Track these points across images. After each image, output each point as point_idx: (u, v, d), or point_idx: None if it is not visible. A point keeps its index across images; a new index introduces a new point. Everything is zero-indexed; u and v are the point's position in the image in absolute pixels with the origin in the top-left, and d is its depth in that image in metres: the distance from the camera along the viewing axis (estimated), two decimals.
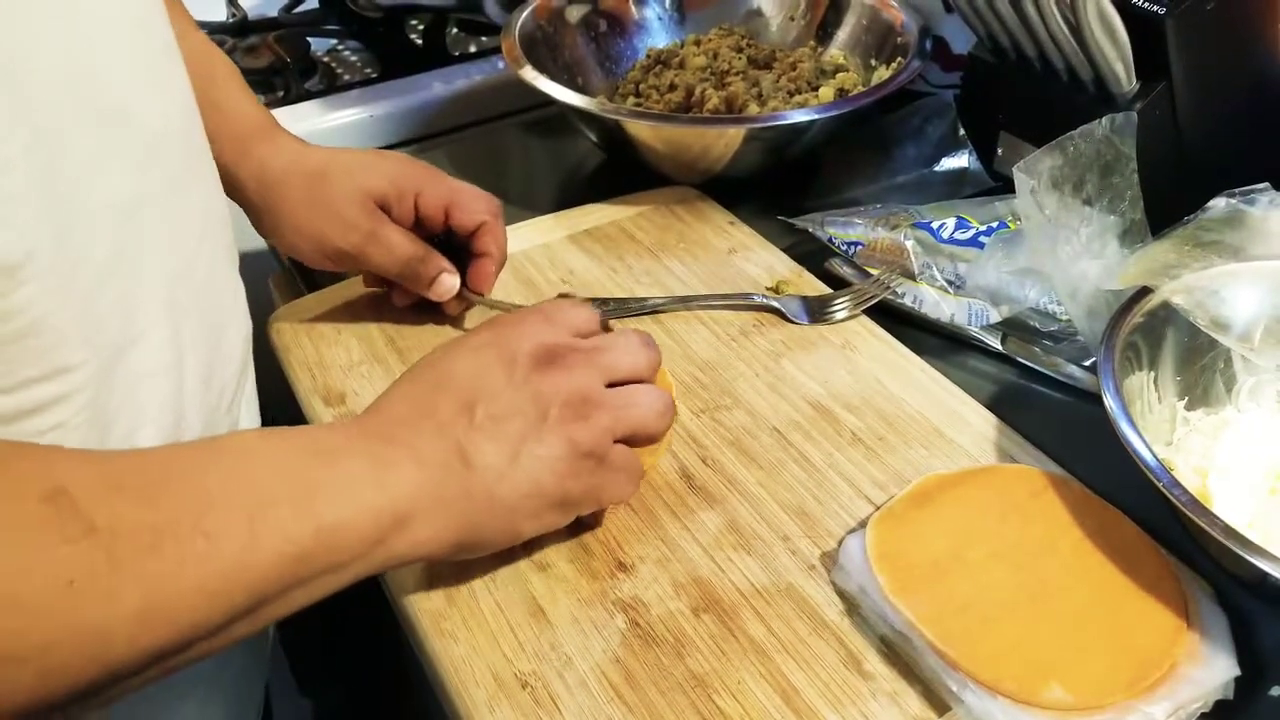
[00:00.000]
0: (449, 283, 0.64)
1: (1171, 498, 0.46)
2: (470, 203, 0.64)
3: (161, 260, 0.47)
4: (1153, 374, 0.56)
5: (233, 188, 0.62)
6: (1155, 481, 0.47)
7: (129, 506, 0.36)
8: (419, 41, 1.07)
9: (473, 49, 1.07)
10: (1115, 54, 0.63)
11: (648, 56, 0.90)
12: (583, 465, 0.47)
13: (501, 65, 1.02)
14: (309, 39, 1.05)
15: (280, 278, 0.87)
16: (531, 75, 0.78)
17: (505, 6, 0.97)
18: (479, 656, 0.48)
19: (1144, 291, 0.56)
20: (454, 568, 0.51)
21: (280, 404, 0.65)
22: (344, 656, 1.06)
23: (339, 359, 0.65)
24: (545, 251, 0.73)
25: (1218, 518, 0.45)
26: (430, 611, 0.50)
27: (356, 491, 0.42)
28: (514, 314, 0.52)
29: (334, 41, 1.07)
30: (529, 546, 0.52)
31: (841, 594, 0.50)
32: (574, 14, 0.89)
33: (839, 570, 0.51)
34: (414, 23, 1.10)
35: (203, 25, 1.03)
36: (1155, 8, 0.61)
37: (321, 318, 0.68)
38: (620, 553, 0.53)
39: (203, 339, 0.50)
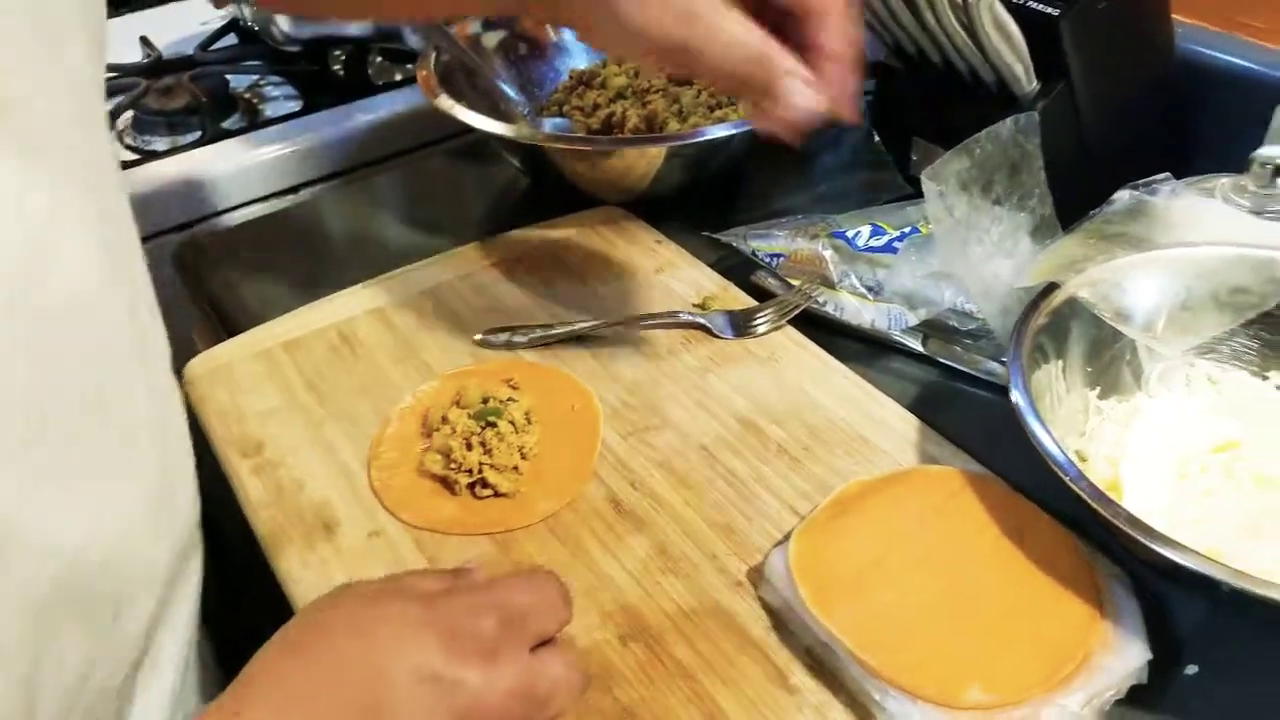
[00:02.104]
0: (798, 90, 0.47)
1: (1078, 491, 0.47)
2: None
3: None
4: (1061, 366, 0.57)
5: None
6: (1062, 476, 0.48)
7: None
8: (341, 73, 1.07)
9: (398, 77, 1.08)
10: (1013, 56, 0.64)
11: (570, 78, 0.90)
12: None
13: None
14: (227, 76, 1.04)
15: (202, 326, 0.86)
16: (448, 104, 0.78)
17: (425, 35, 0.97)
18: None
19: (1051, 287, 0.58)
20: None
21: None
22: None
23: (255, 405, 0.65)
24: (471, 282, 0.73)
25: (1121, 508, 0.46)
26: None
27: None
28: (469, 618, 0.41)
29: (254, 77, 1.07)
30: None
31: (768, 608, 0.51)
32: (491, 40, 0.89)
33: (765, 585, 0.51)
34: (336, 53, 1.10)
35: (116, 67, 1.04)
36: (1049, 9, 0.62)
37: (239, 364, 0.68)
38: None
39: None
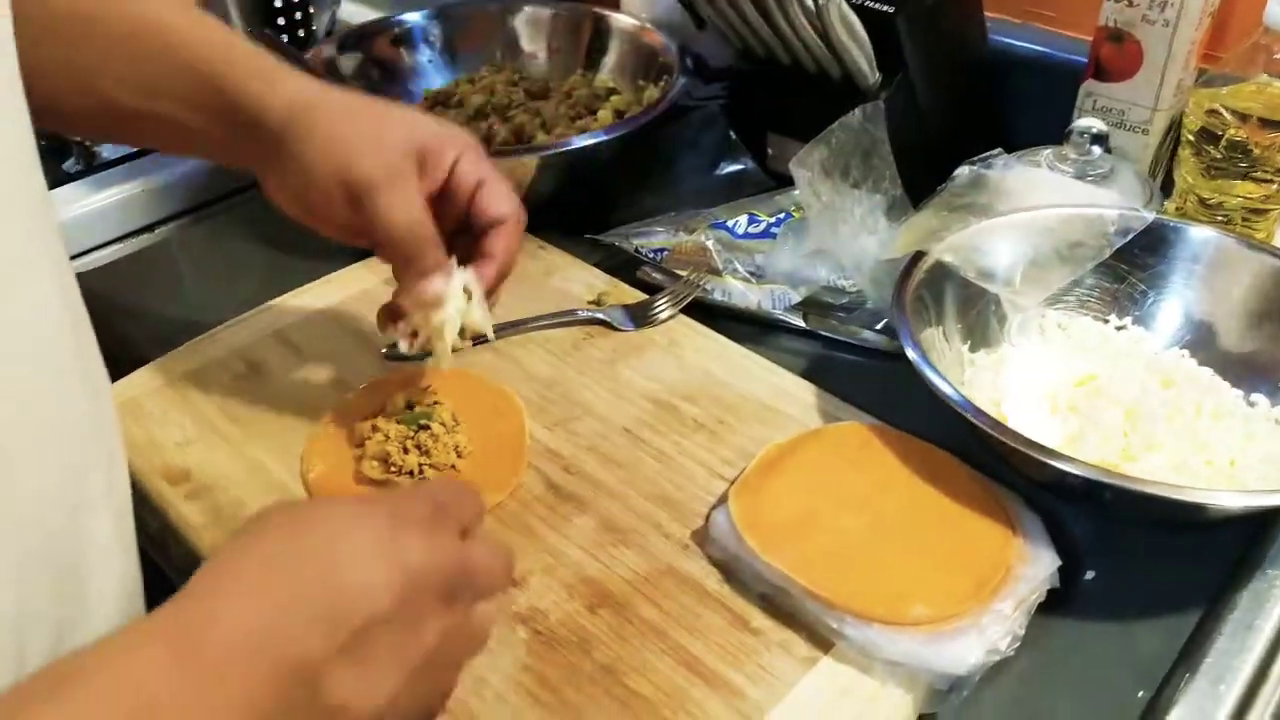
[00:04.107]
0: (436, 288, 0.56)
1: (980, 425, 0.53)
2: (501, 190, 0.58)
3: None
4: (940, 327, 0.64)
5: (254, 118, 0.55)
6: (964, 414, 0.54)
7: None
8: None
9: None
10: (859, 52, 0.71)
11: (425, 98, 0.92)
12: (433, 707, 0.42)
13: None
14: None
15: None
16: None
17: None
18: None
19: (919, 255, 0.64)
20: None
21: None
22: None
23: (172, 436, 0.63)
24: (368, 299, 0.74)
25: (1019, 433, 0.52)
26: None
27: None
28: (403, 500, 0.42)
29: None
30: None
31: (717, 564, 0.55)
32: (348, 65, 0.90)
33: (711, 543, 0.55)
34: None
35: None
36: (885, 7, 0.70)
37: (143, 398, 0.66)
38: None
39: (51, 601, 0.40)
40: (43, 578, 0.39)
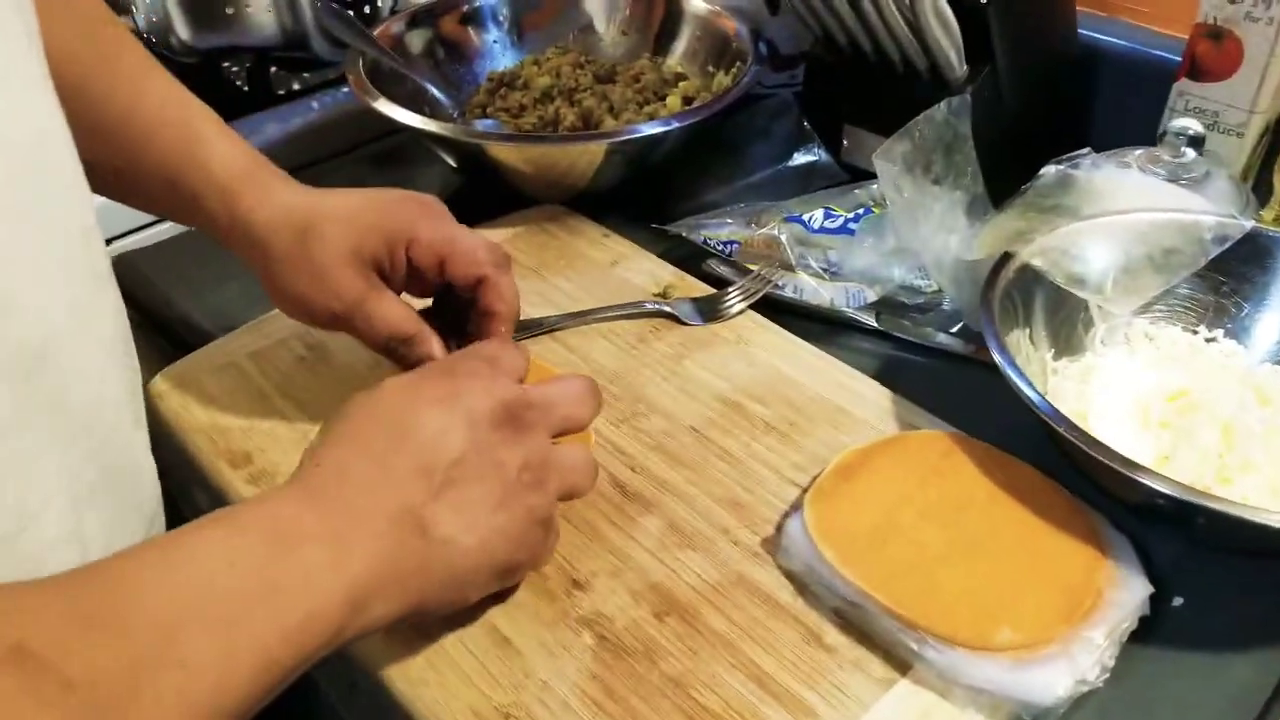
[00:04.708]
0: None
1: (1070, 438, 0.51)
2: (467, 253, 0.57)
3: (60, 419, 0.42)
4: (1026, 331, 0.61)
5: (227, 247, 0.58)
6: (1054, 426, 0.52)
7: (99, 650, 0.33)
8: (241, 84, 1.03)
9: (296, 86, 1.04)
10: (949, 43, 0.68)
11: (489, 80, 0.90)
12: (534, 533, 0.47)
13: (331, 100, 1.00)
14: None
15: (139, 343, 0.82)
16: (388, 107, 0.77)
17: (331, 42, 0.95)
18: (455, 698, 0.48)
19: (1007, 257, 0.62)
20: None
21: (180, 465, 0.62)
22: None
23: (234, 420, 0.63)
24: None
25: (1111, 449, 0.50)
26: (393, 660, 0.49)
27: (318, 582, 0.39)
28: (457, 361, 0.49)
29: None
30: None
31: (789, 575, 0.53)
32: (415, 43, 0.88)
33: (783, 553, 0.53)
34: (228, 65, 1.06)
35: None
36: None
37: (208, 378, 0.65)
38: (573, 570, 0.53)
39: (108, 498, 0.45)
40: (99, 480, 0.44)
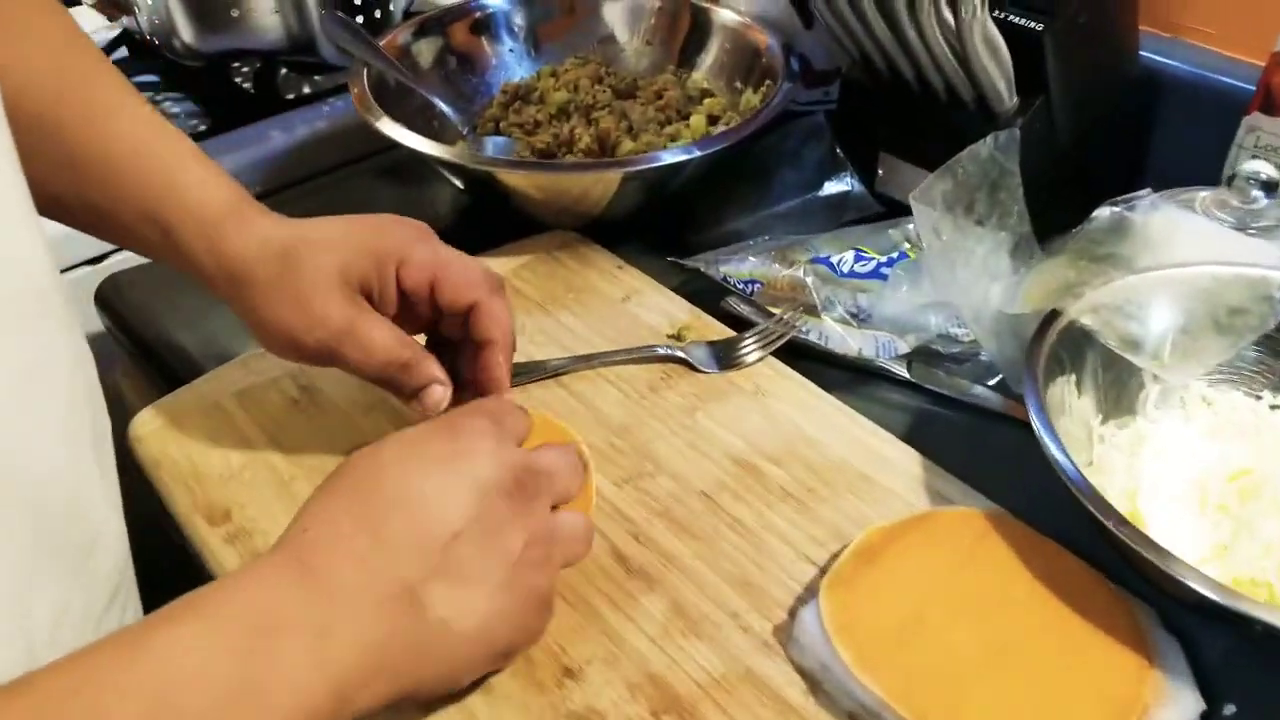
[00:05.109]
0: (437, 396, 0.53)
1: (1115, 531, 0.46)
2: (458, 276, 0.53)
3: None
4: (1073, 386, 0.56)
5: (208, 286, 0.54)
6: (1097, 516, 0.46)
7: None
8: (248, 87, 0.99)
9: (307, 90, 1.00)
10: (998, 72, 0.63)
11: (503, 92, 0.86)
12: (533, 613, 0.44)
13: (341, 106, 0.95)
14: None
15: (129, 369, 0.79)
16: (389, 127, 0.72)
17: (339, 49, 0.91)
18: None
19: (1053, 315, 0.56)
20: None
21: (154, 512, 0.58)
22: None
23: (215, 468, 0.59)
24: None
25: (1157, 544, 0.45)
26: None
27: (299, 678, 0.36)
28: (461, 418, 0.46)
29: (149, 94, 0.98)
30: None
31: (801, 671, 0.48)
32: (425, 52, 0.83)
33: (796, 645, 0.48)
34: (238, 66, 1.02)
35: None
36: (1033, 23, 0.61)
37: (190, 421, 0.61)
38: (565, 657, 0.49)
39: (58, 578, 0.42)
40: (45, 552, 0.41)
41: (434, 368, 0.53)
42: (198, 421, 0.61)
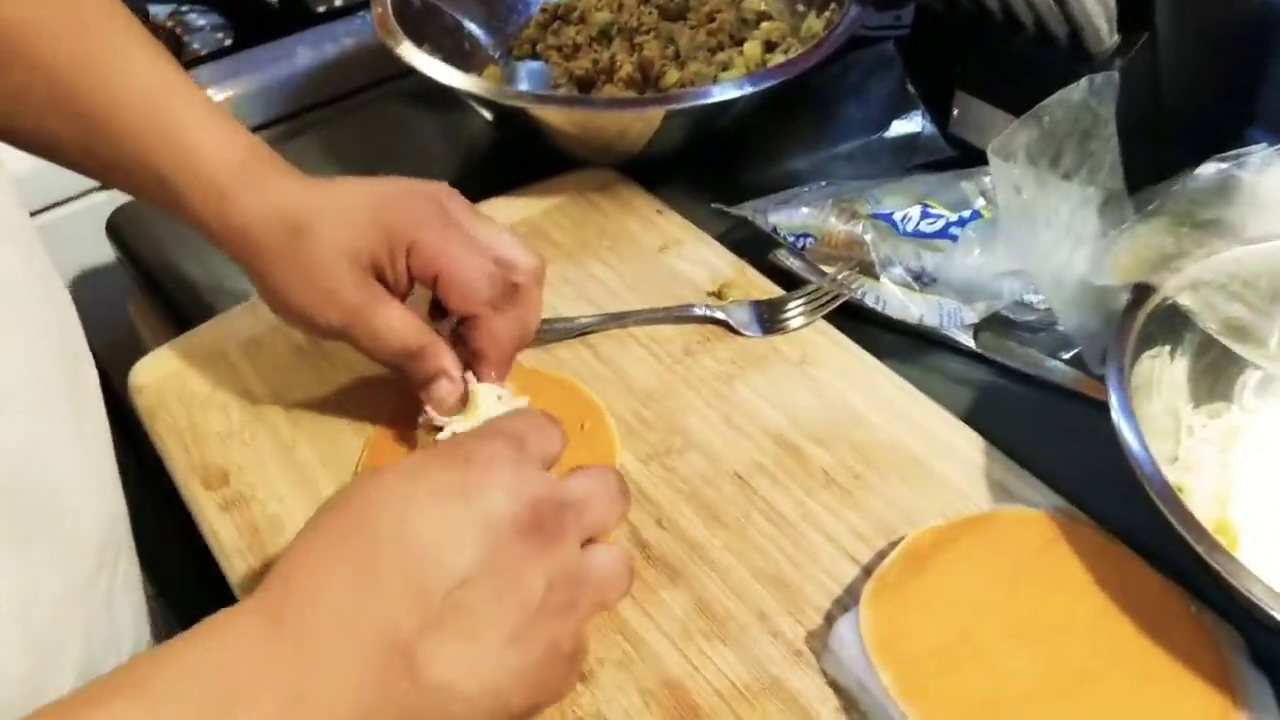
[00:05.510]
0: (442, 392, 0.49)
1: (1212, 563, 0.40)
2: (463, 277, 0.48)
3: None
4: (1164, 372, 0.49)
5: (217, 247, 0.51)
6: (1183, 535, 0.40)
7: None
8: (274, 0, 0.93)
9: (338, 3, 0.94)
10: (1098, 7, 0.55)
11: (543, 12, 0.79)
12: (557, 670, 0.37)
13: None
14: (146, 4, 0.90)
15: (139, 300, 0.75)
16: (410, 53, 0.66)
17: None
18: None
19: (1145, 291, 0.50)
20: None
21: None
22: None
23: (215, 425, 0.55)
24: None
25: (1248, 570, 0.39)
26: None
27: None
28: (475, 440, 0.39)
29: (174, 4, 0.92)
30: None
31: (835, 687, 0.43)
32: None
33: (831, 658, 0.44)
34: None
35: None
36: None
37: (192, 371, 0.58)
38: None
39: (26, 553, 0.38)
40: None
41: (444, 360, 0.49)
42: (200, 372, 0.58)
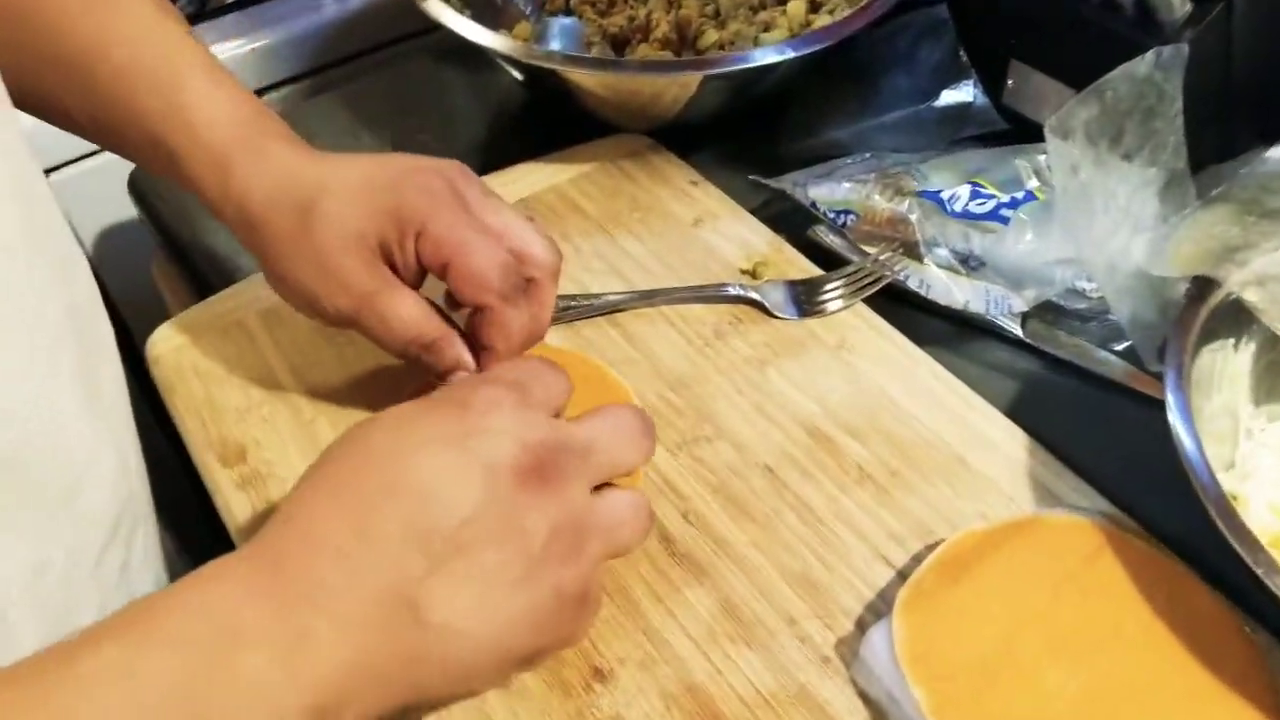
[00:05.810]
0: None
1: (1269, 584, 0.37)
2: (473, 266, 0.44)
3: None
4: (1225, 369, 0.47)
5: (219, 220, 0.49)
6: (1248, 562, 0.38)
7: None
8: None
9: None
10: None
11: None
12: (564, 614, 0.36)
13: None
14: None
15: (161, 260, 0.74)
16: (438, 8, 0.64)
17: None
18: None
19: (1207, 285, 0.47)
20: None
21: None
22: None
23: (233, 400, 0.53)
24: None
25: None
26: None
27: (266, 699, 0.32)
28: (475, 386, 0.39)
29: None
30: None
31: (864, 698, 0.42)
32: None
33: (861, 668, 0.42)
34: None
35: None
36: None
37: (210, 342, 0.56)
38: (596, 655, 0.43)
39: (34, 523, 0.38)
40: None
41: (459, 351, 0.47)
42: (218, 343, 0.56)
